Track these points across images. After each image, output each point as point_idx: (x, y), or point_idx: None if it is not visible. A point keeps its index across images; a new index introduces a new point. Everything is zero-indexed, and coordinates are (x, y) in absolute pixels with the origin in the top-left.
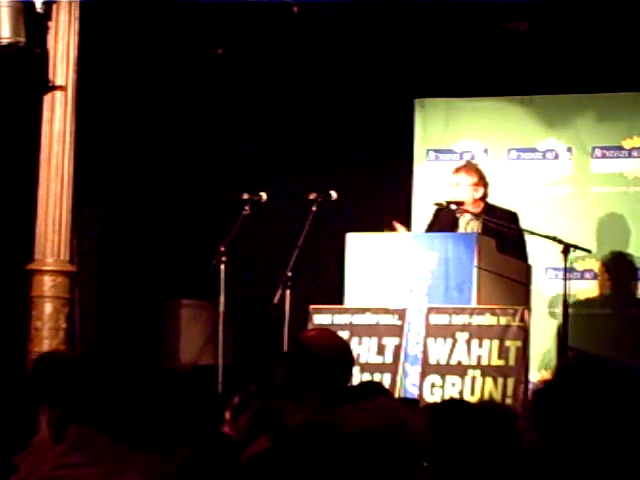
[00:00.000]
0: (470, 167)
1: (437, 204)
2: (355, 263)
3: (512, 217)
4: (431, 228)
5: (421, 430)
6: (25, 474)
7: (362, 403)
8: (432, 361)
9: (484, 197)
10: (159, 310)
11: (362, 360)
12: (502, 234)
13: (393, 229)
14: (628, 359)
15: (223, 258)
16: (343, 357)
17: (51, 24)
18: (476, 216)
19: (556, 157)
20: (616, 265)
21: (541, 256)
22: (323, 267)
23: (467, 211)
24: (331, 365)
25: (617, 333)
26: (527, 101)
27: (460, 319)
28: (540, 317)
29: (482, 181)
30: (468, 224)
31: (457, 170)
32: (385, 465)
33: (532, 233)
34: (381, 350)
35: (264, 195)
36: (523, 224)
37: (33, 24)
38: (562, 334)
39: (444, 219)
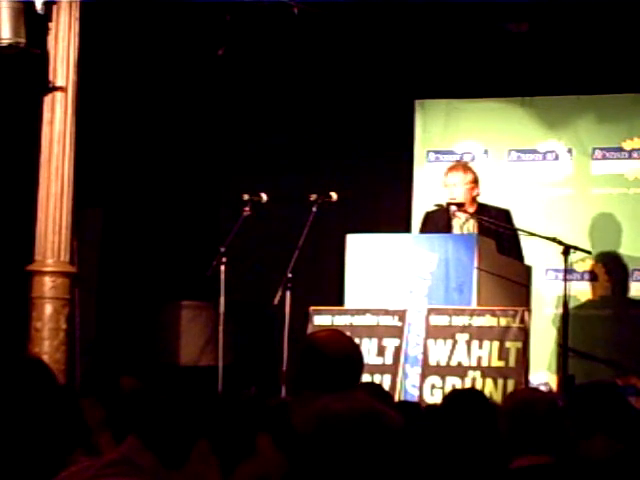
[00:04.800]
0: (465, 166)
1: (437, 205)
2: (355, 264)
3: (506, 215)
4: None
5: (396, 422)
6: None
7: (339, 393)
8: (432, 362)
9: (477, 196)
10: (159, 311)
11: None
12: (499, 233)
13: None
14: (628, 360)
15: (223, 259)
16: (354, 358)
17: (51, 25)
18: (472, 215)
19: (556, 158)
20: (616, 266)
21: (541, 257)
22: (323, 268)
23: (466, 212)
24: (343, 366)
25: (617, 334)
26: (527, 102)
27: (460, 320)
28: (540, 318)
29: (477, 180)
30: (464, 224)
31: (452, 169)
32: (367, 449)
33: (532, 234)
34: (381, 351)
35: (264, 196)
36: (523, 225)
37: (33, 25)
38: (562, 335)
39: (437, 222)
